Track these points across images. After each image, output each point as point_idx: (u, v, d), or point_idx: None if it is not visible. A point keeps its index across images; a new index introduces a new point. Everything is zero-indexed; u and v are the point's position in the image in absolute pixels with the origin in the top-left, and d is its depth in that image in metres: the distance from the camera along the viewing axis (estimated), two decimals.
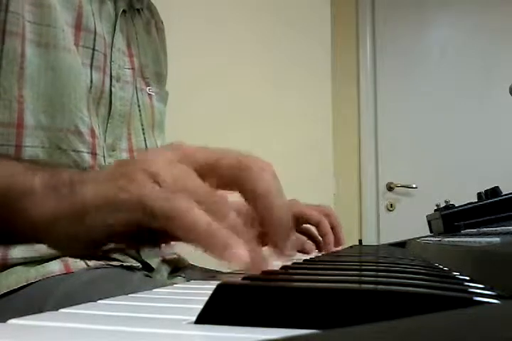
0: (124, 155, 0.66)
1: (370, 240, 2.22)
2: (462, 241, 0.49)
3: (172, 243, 0.39)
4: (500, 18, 2.39)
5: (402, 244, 0.96)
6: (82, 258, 0.53)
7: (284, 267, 0.34)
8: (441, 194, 1.28)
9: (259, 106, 1.67)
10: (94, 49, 0.61)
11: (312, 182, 1.77)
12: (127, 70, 0.68)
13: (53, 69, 0.56)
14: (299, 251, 0.76)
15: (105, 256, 0.56)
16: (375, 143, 2.46)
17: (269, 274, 0.29)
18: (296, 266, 0.37)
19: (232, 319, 0.17)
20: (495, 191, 0.79)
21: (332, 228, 0.76)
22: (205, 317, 0.18)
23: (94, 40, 0.61)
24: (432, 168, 2.38)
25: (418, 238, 0.90)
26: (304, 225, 0.78)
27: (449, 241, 0.58)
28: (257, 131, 1.66)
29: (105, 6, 0.66)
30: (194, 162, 0.35)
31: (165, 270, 0.67)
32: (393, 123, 2.45)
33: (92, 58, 0.61)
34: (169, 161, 0.34)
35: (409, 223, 1.71)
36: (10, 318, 0.17)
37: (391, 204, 2.44)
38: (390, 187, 2.44)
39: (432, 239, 0.76)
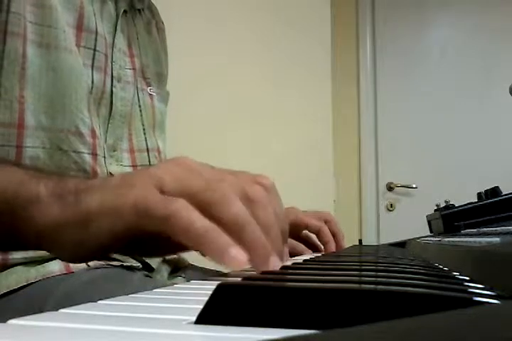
0: (125, 156, 0.66)
1: (370, 240, 2.22)
2: (462, 241, 0.49)
3: (177, 252, 0.40)
4: (500, 18, 2.39)
5: (402, 244, 0.96)
6: None
7: (284, 267, 0.34)
8: (441, 194, 1.28)
9: (259, 106, 1.67)
10: (95, 49, 0.61)
11: (312, 182, 1.77)
12: (128, 70, 0.68)
13: (54, 69, 0.56)
14: None
15: (105, 256, 0.56)
16: (375, 143, 2.46)
17: (269, 274, 0.29)
18: (296, 266, 0.37)
19: (232, 319, 0.17)
20: (495, 191, 0.79)
21: (333, 235, 0.76)
22: (205, 317, 0.18)
23: (96, 40, 0.61)
24: (432, 168, 2.39)
25: (418, 238, 0.90)
26: (304, 232, 0.78)
27: (449, 241, 0.58)
28: (257, 131, 1.66)
29: (106, 7, 0.66)
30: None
31: (165, 270, 0.67)
32: (393, 123, 2.45)
33: (93, 59, 0.61)
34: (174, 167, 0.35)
35: (409, 223, 1.71)
36: (10, 318, 0.17)
37: (391, 204, 2.44)
38: (390, 187, 2.44)
39: (432, 239, 0.76)
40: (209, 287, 0.21)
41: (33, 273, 0.52)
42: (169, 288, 0.30)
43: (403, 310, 0.17)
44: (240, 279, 0.23)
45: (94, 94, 0.61)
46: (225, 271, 0.40)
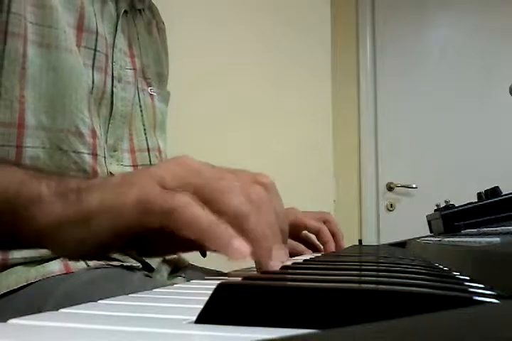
0: (126, 156, 0.66)
1: (370, 240, 2.22)
2: (462, 241, 0.49)
3: (177, 252, 0.40)
4: (500, 18, 2.39)
5: (402, 244, 0.96)
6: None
7: (284, 267, 0.34)
8: (441, 194, 1.28)
9: (259, 106, 1.67)
10: (95, 50, 0.61)
11: (312, 182, 1.77)
12: (129, 71, 0.68)
13: (55, 69, 0.56)
14: None
15: (105, 256, 0.56)
16: (375, 143, 2.46)
17: (269, 274, 0.29)
18: (296, 265, 0.37)
19: (232, 319, 0.17)
20: (495, 191, 0.79)
21: (332, 235, 0.76)
22: (206, 317, 0.18)
23: (96, 40, 0.61)
24: (432, 168, 2.38)
25: (418, 238, 0.90)
26: (304, 232, 0.78)
27: (449, 241, 0.58)
28: (257, 131, 1.67)
29: (107, 7, 0.66)
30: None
31: (165, 270, 0.67)
32: (393, 123, 2.45)
33: (94, 59, 0.61)
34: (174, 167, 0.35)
35: (409, 223, 1.71)
36: (10, 318, 0.17)
37: (391, 204, 2.44)
38: (390, 187, 2.44)
39: (432, 239, 0.76)
40: (209, 287, 0.21)
41: (33, 273, 0.52)
42: (169, 287, 0.30)
43: (403, 310, 0.17)
44: (240, 279, 0.23)
45: (95, 94, 0.61)
46: (225, 271, 0.40)
